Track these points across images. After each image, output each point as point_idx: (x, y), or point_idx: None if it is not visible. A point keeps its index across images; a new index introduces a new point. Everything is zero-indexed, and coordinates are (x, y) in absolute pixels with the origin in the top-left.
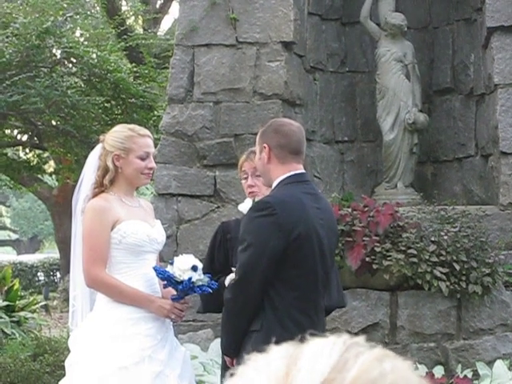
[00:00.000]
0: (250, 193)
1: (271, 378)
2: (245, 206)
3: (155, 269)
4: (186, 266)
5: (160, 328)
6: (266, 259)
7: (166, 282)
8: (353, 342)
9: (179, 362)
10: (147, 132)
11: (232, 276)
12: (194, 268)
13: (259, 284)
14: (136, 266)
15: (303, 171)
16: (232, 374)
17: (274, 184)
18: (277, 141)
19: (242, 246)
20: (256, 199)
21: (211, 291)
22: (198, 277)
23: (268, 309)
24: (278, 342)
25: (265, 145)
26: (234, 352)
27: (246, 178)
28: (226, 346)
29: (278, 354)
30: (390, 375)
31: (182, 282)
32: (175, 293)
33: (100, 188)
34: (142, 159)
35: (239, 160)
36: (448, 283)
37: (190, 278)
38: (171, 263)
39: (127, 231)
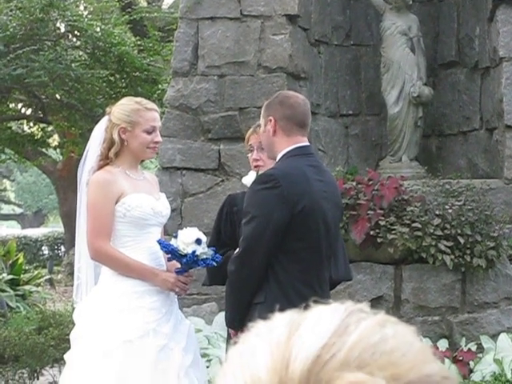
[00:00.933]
0: (255, 166)
1: (272, 344)
2: (248, 179)
3: (159, 242)
4: (189, 239)
5: (165, 301)
6: (270, 231)
7: (170, 256)
8: (355, 308)
9: (184, 335)
10: (154, 106)
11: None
12: (198, 241)
13: (263, 256)
14: (140, 240)
15: (307, 144)
16: (235, 342)
17: (279, 156)
18: (282, 113)
19: (245, 219)
20: (259, 172)
21: (215, 264)
22: (202, 250)
23: (272, 281)
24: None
25: (270, 117)
26: (237, 324)
27: (252, 152)
28: (229, 319)
29: (281, 320)
30: (391, 340)
31: (185, 255)
32: (179, 266)
33: (105, 160)
34: (148, 133)
35: (244, 133)
36: (452, 257)
37: (193, 252)
38: (175, 236)
39: (132, 204)
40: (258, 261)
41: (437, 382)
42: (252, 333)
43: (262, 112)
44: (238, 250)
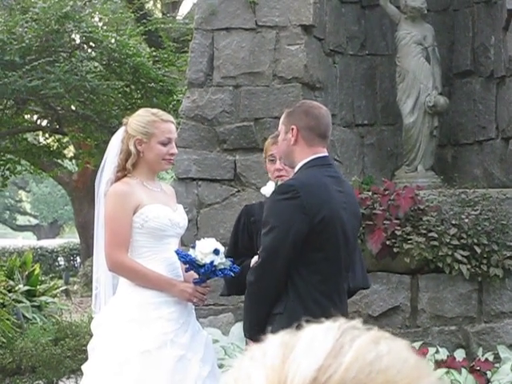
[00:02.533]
0: (277, 176)
1: (267, 367)
2: (267, 190)
3: (177, 252)
4: (207, 249)
5: (182, 312)
6: (290, 242)
7: (188, 266)
8: (348, 325)
9: (201, 345)
10: (170, 117)
11: (257, 257)
12: (216, 251)
13: (282, 267)
14: (158, 250)
15: (326, 154)
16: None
17: (298, 166)
18: (306, 123)
19: (265, 229)
20: (278, 183)
21: (233, 275)
22: (220, 260)
23: (291, 292)
24: (301, 325)
25: (293, 126)
26: (256, 335)
27: (273, 162)
28: (248, 329)
29: (274, 342)
30: (386, 357)
31: (203, 265)
32: (197, 276)
33: (123, 172)
34: (164, 145)
35: (259, 144)
36: (469, 266)
37: (211, 262)
38: (193, 247)
39: (149, 215)
40: (278, 271)
41: None
42: (246, 357)
43: (283, 119)
44: (257, 260)
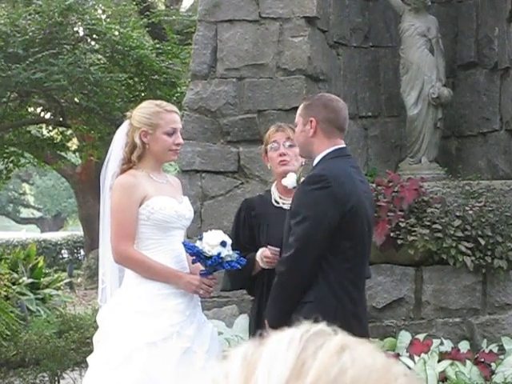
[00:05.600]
0: (280, 161)
1: None
2: (288, 181)
3: (184, 244)
4: (215, 241)
5: (188, 304)
6: (323, 231)
7: (194, 258)
8: (311, 333)
9: (207, 338)
10: (174, 108)
11: (262, 250)
12: (223, 243)
13: (315, 256)
14: (164, 242)
15: (344, 146)
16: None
17: (319, 157)
18: (325, 115)
19: (296, 219)
20: (301, 173)
21: (240, 267)
22: (227, 252)
23: (321, 280)
24: (331, 313)
25: (312, 118)
26: (282, 324)
27: (277, 149)
28: (276, 318)
29: (236, 362)
30: (351, 370)
31: (211, 257)
32: (203, 268)
33: (128, 164)
34: (169, 135)
35: (263, 136)
36: (473, 258)
37: (219, 254)
38: (200, 239)
39: (155, 207)
40: (311, 261)
41: None
42: (209, 379)
43: (301, 111)
44: (262, 250)
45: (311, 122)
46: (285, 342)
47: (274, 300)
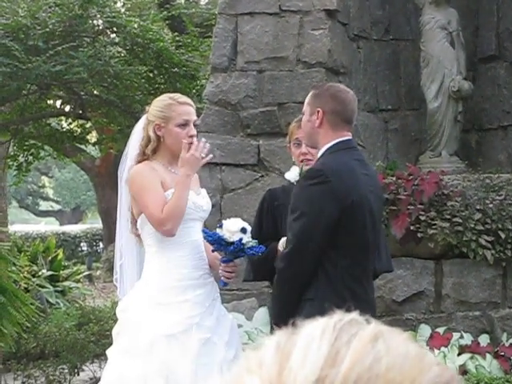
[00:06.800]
0: (302, 160)
1: (264, 380)
2: (291, 175)
3: (204, 231)
4: (235, 227)
5: (208, 295)
6: (320, 227)
7: (215, 245)
8: (344, 322)
9: (226, 329)
10: (187, 99)
11: (284, 239)
12: (244, 230)
13: (313, 253)
14: (182, 234)
15: (350, 137)
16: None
17: (322, 150)
18: (332, 107)
19: (294, 215)
20: (304, 167)
21: (260, 254)
22: (248, 239)
23: (322, 277)
24: (332, 311)
25: (319, 109)
26: (285, 321)
27: (299, 146)
28: (278, 316)
29: (270, 350)
30: (385, 358)
31: (232, 243)
32: (223, 257)
33: (143, 157)
34: (182, 127)
35: (283, 129)
36: (493, 251)
37: (240, 239)
38: (220, 226)
39: None
40: (308, 257)
41: None
42: (243, 367)
43: (309, 100)
44: (285, 246)
45: (318, 112)
46: (318, 330)
47: (275, 297)
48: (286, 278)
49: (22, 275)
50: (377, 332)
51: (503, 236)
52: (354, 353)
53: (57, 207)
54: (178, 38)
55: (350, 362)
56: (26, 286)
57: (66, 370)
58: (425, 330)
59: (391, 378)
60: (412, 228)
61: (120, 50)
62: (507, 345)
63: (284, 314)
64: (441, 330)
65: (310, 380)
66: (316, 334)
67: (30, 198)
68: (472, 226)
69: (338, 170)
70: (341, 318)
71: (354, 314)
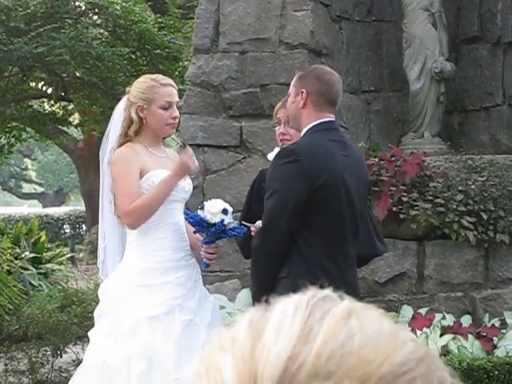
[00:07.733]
0: (281, 140)
1: (237, 358)
2: (273, 155)
3: (186, 213)
4: (216, 209)
5: (189, 277)
6: (291, 206)
7: (197, 227)
8: (318, 298)
9: (208, 311)
10: (170, 81)
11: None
12: (225, 211)
13: (284, 231)
14: (164, 216)
15: (332, 119)
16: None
17: (304, 130)
18: (317, 88)
19: (267, 193)
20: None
21: (242, 235)
22: (229, 220)
23: (295, 256)
24: (305, 288)
25: (303, 90)
26: (263, 299)
27: (279, 126)
28: (255, 294)
29: (242, 327)
30: (358, 335)
31: (214, 224)
32: (204, 238)
33: (125, 139)
34: (165, 109)
35: (265, 110)
36: (475, 232)
37: (222, 220)
38: (201, 208)
39: (155, 180)
40: (280, 235)
41: (411, 368)
42: (215, 345)
43: (294, 82)
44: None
45: (302, 93)
46: (291, 307)
47: (252, 276)
48: (260, 256)
49: (4, 257)
50: (350, 309)
51: (485, 217)
52: (327, 329)
53: (40, 189)
54: (160, 20)
55: (322, 339)
56: (8, 268)
57: (49, 352)
58: (407, 311)
59: (364, 355)
60: (394, 209)
61: (102, 31)
62: (489, 325)
63: (261, 292)
64: (423, 310)
65: (283, 356)
66: (289, 310)
67: (13, 180)
68: (454, 207)
69: (311, 149)
70: (314, 295)
71: (328, 291)
